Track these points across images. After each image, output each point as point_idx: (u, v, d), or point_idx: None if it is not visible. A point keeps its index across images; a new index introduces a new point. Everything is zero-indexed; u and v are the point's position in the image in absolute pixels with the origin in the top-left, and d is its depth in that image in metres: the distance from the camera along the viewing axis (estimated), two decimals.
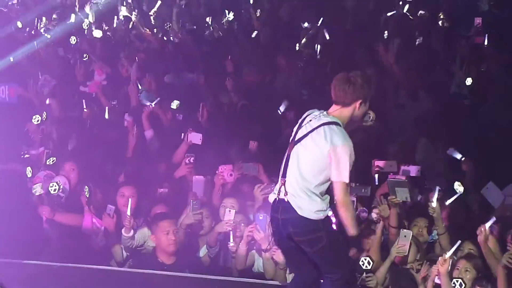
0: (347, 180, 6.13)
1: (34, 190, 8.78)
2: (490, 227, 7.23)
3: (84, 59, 13.00)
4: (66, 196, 8.90)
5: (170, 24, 14.41)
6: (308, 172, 6.19)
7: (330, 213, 6.37)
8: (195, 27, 14.83)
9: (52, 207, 8.59)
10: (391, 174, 8.08)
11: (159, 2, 14.94)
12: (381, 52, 11.87)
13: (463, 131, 10.37)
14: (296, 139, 6.31)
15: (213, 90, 12.03)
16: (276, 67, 12.65)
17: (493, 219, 7.28)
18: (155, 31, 14.42)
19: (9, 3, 15.97)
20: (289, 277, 7.69)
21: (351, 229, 6.34)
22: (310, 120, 6.27)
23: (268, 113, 11.31)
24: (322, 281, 6.52)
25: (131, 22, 14.55)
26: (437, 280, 6.99)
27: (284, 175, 6.30)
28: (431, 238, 8.10)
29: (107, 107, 11.30)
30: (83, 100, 11.51)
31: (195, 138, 9.62)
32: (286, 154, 6.35)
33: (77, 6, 15.41)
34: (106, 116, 11.17)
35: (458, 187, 7.89)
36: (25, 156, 10.14)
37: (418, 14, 13.02)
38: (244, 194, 8.91)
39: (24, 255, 8.28)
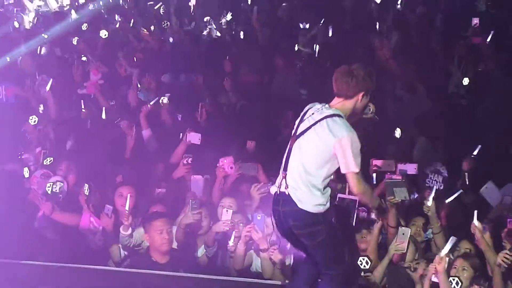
0: (356, 170, 6.16)
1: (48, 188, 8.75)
2: (483, 225, 7.25)
3: (82, 59, 12.99)
4: (64, 196, 8.88)
5: (168, 23, 14.40)
6: (312, 165, 6.20)
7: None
8: (193, 26, 14.82)
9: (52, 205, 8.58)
10: (388, 174, 8.08)
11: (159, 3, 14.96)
12: (377, 50, 11.87)
13: (460, 131, 10.38)
14: (298, 133, 6.31)
15: (211, 90, 12.02)
16: (274, 67, 12.64)
17: (476, 212, 7.29)
18: (152, 29, 14.40)
19: (5, 3, 15.98)
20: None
21: (375, 207, 6.70)
22: (313, 114, 6.28)
23: (267, 113, 11.31)
24: (319, 280, 6.52)
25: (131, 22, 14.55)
26: (434, 279, 6.98)
27: (285, 169, 6.31)
28: (426, 236, 8.10)
29: (104, 107, 11.28)
30: (81, 100, 11.51)
31: (194, 138, 9.62)
32: (288, 148, 6.36)
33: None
34: (104, 116, 11.15)
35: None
36: (22, 157, 10.12)
37: (416, 12, 13.01)
38: (242, 194, 8.90)
39: (21, 255, 8.25)
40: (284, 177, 6.29)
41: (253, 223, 7.93)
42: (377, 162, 8.69)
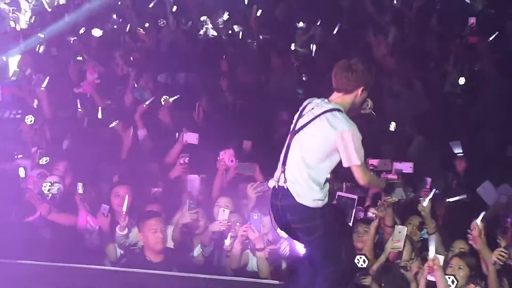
0: (359, 162, 6.15)
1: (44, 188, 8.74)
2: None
3: (78, 59, 12.98)
4: (60, 195, 8.87)
5: (165, 21, 14.38)
6: (312, 159, 6.20)
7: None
8: (189, 26, 14.81)
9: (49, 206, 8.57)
10: (384, 173, 8.08)
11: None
12: (374, 47, 11.89)
13: (456, 130, 10.39)
14: (297, 128, 6.30)
15: (208, 90, 12.02)
16: (271, 66, 12.64)
17: (483, 213, 7.30)
18: (147, 26, 14.39)
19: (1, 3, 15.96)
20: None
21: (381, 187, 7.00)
22: (312, 108, 6.27)
23: (264, 112, 11.31)
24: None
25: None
26: (430, 278, 6.99)
27: (284, 163, 6.31)
28: (421, 236, 8.11)
29: (100, 107, 11.28)
30: (78, 100, 11.50)
31: (192, 138, 9.60)
32: (287, 142, 6.35)
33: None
34: (100, 116, 11.14)
35: None
36: (18, 157, 10.11)
37: (412, 10, 13.02)
38: (238, 193, 8.91)
39: (17, 255, 8.24)
40: (283, 172, 6.29)
41: (249, 222, 7.93)
42: (373, 162, 8.67)
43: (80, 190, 8.71)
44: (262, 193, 8.56)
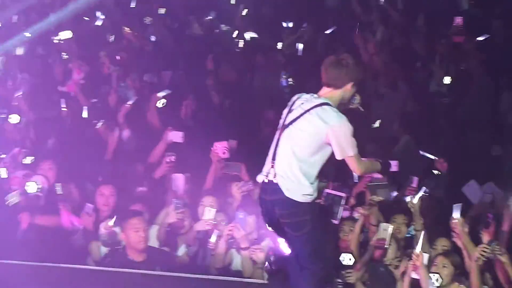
0: (352, 154, 6.18)
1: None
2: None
3: (64, 58, 12.93)
4: (45, 195, 8.83)
5: (151, 19, 14.32)
6: (304, 153, 6.20)
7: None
8: (176, 25, 14.79)
9: (31, 211, 8.52)
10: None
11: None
12: (360, 47, 11.90)
13: (442, 129, 10.40)
14: (286, 122, 6.31)
15: (194, 89, 12.00)
16: (257, 65, 12.63)
17: (458, 207, 7.35)
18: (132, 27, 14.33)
19: None
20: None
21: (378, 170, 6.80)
22: (302, 103, 6.29)
23: (249, 112, 11.30)
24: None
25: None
26: (414, 275, 7.00)
27: (273, 158, 6.30)
28: (409, 233, 8.12)
29: (85, 107, 11.25)
30: (62, 99, 11.46)
31: (176, 136, 9.59)
32: (276, 137, 6.36)
33: None
34: (85, 115, 11.11)
35: None
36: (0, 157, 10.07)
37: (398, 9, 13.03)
38: (223, 193, 8.90)
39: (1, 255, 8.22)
40: (273, 166, 6.29)
41: (235, 221, 7.93)
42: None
43: (60, 191, 8.66)
44: (247, 193, 8.57)
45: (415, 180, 8.61)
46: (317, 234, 6.31)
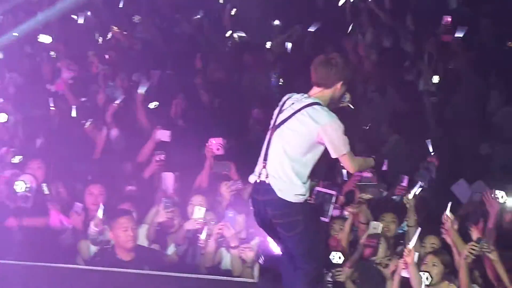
0: (345, 151, 6.18)
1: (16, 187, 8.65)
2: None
3: (52, 57, 12.90)
4: (33, 195, 8.80)
5: (140, 17, 14.29)
6: (296, 152, 6.20)
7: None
8: (165, 24, 14.77)
9: (17, 214, 8.48)
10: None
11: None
12: (349, 48, 11.92)
13: (431, 128, 10.42)
14: (277, 123, 6.32)
15: (182, 88, 11.98)
16: (245, 65, 12.63)
17: (450, 204, 7.39)
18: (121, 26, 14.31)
19: None
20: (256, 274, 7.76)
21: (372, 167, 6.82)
22: (292, 103, 6.29)
23: (238, 111, 11.29)
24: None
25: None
26: (404, 274, 7.01)
27: (265, 158, 6.30)
28: (401, 229, 8.14)
29: (74, 106, 11.22)
30: (50, 98, 11.43)
31: (164, 135, 9.58)
32: (267, 138, 6.35)
33: None
34: (74, 114, 11.08)
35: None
36: None
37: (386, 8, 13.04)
38: (213, 192, 8.89)
39: None
40: (265, 167, 6.29)
41: (225, 220, 7.92)
42: None
43: (46, 191, 8.63)
44: (236, 192, 8.57)
45: (405, 179, 8.62)
46: (310, 234, 6.31)
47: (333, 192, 7.17)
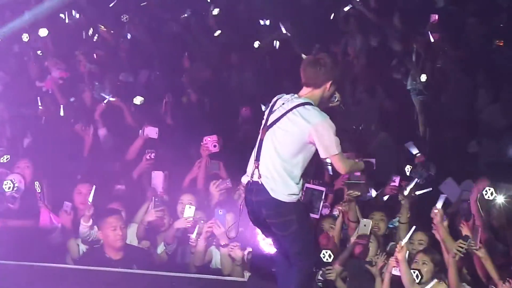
0: (336, 152, 6.22)
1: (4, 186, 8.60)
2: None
3: (40, 55, 12.85)
4: (21, 195, 8.76)
5: (127, 16, 14.26)
6: (287, 152, 6.23)
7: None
8: (154, 22, 14.75)
9: (4, 215, 8.44)
10: None
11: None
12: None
13: (419, 127, 10.45)
14: (268, 123, 6.35)
15: (170, 87, 11.97)
16: (234, 64, 12.63)
17: (443, 197, 7.44)
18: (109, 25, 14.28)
19: None
20: (246, 273, 7.77)
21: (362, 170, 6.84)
22: (283, 104, 6.33)
23: (227, 110, 11.29)
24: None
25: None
26: (394, 272, 7.03)
27: (257, 159, 6.32)
28: (392, 224, 8.15)
29: (62, 105, 11.19)
30: (38, 98, 11.40)
31: (151, 132, 9.57)
32: (259, 138, 6.39)
33: None
34: (62, 113, 11.05)
35: None
36: None
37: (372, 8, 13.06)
38: (202, 191, 8.88)
39: None
40: (257, 167, 6.30)
41: (214, 218, 7.92)
42: None
43: (38, 189, 8.60)
44: (225, 191, 8.57)
45: (397, 179, 8.63)
46: (304, 233, 6.36)
47: (323, 189, 7.17)
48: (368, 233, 7.53)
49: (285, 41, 12.73)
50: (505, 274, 6.90)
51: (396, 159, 9.96)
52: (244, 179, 6.43)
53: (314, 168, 8.88)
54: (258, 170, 6.28)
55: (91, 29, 13.93)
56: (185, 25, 14.24)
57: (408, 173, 9.05)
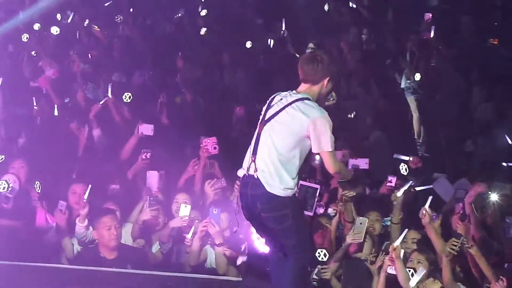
0: (330, 149, 6.23)
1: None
2: (432, 215, 7.40)
3: (34, 55, 12.84)
4: (15, 195, 8.75)
5: (121, 17, 14.25)
6: (285, 146, 6.25)
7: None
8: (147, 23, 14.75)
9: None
10: None
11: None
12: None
13: (413, 126, 10.46)
14: (266, 118, 6.37)
15: (164, 87, 11.97)
16: (227, 63, 12.63)
17: (430, 198, 7.46)
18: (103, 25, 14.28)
19: None
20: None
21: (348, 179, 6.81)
22: (281, 99, 6.37)
23: (221, 109, 11.29)
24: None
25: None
26: (390, 271, 7.04)
27: (254, 153, 6.34)
28: (384, 222, 8.16)
29: (56, 105, 11.18)
30: (33, 98, 11.39)
31: (147, 129, 9.55)
32: (256, 132, 6.40)
33: None
34: (56, 113, 11.04)
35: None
36: None
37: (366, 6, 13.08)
38: (197, 190, 8.89)
39: None
40: (254, 161, 6.32)
41: (209, 217, 7.92)
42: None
43: (38, 189, 8.59)
44: (220, 190, 8.57)
45: (393, 179, 8.63)
46: (299, 226, 6.37)
47: (317, 186, 7.18)
48: (364, 231, 7.54)
49: (280, 40, 12.73)
50: (498, 272, 6.91)
51: (391, 158, 9.95)
52: (240, 172, 6.45)
53: (310, 166, 8.91)
54: (255, 164, 6.30)
55: (78, 32, 13.92)
56: (178, 25, 14.24)
57: (404, 173, 9.05)
